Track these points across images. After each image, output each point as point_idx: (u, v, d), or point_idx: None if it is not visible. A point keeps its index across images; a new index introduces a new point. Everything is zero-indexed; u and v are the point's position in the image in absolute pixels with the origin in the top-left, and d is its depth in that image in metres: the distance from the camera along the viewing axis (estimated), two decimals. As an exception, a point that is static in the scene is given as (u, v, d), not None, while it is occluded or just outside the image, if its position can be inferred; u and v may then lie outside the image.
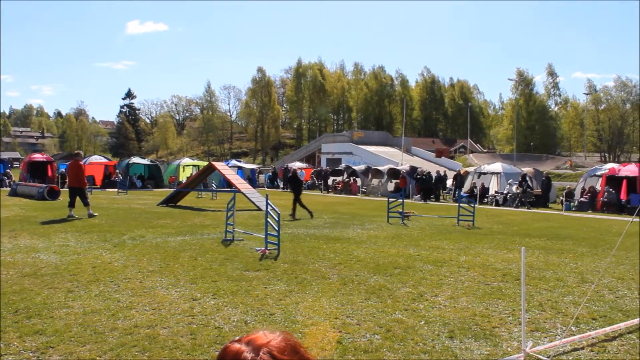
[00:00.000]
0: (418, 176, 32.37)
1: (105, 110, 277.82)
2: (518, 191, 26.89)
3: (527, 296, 7.09)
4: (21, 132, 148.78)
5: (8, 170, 35.15)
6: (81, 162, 17.36)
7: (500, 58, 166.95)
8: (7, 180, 32.90)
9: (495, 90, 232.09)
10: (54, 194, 23.17)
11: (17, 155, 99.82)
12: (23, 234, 12.25)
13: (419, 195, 31.13)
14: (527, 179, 27.67)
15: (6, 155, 61.61)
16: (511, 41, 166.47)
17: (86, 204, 16.39)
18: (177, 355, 4.89)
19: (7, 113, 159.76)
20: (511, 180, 28.24)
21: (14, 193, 25.22)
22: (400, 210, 17.05)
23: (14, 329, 5.44)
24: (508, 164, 34.88)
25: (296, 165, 44.79)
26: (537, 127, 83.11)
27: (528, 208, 25.39)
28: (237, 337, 1.40)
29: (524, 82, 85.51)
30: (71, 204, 16.17)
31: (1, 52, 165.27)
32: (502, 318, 6.28)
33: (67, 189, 17.35)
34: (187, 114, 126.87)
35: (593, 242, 13.37)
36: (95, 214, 16.45)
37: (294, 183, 19.55)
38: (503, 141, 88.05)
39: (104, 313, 6.07)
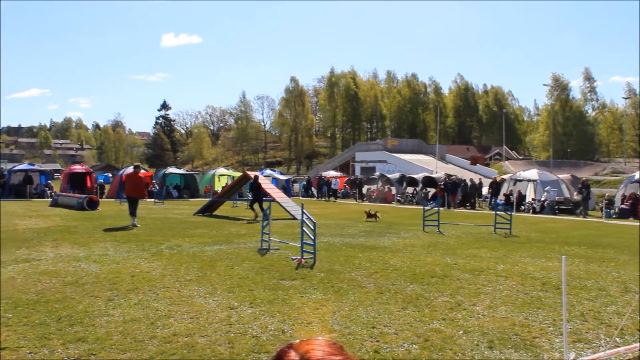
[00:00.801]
0: (441, 183, 32.05)
1: (141, 122, 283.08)
2: (578, 198, 26.44)
3: (568, 306, 6.95)
4: (61, 144, 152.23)
5: (49, 182, 35.94)
6: (140, 173, 18.24)
7: (535, 63, 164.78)
8: (48, 191, 33.64)
9: (530, 96, 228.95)
10: (93, 204, 23.60)
11: (57, 166, 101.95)
12: (64, 243, 12.50)
13: (433, 202, 30.86)
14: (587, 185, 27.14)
15: (47, 166, 62.98)
16: (546, 46, 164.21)
17: (132, 213, 16.93)
18: (215, 364, 4.92)
19: (47, 126, 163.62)
20: (548, 187, 27.79)
21: (54, 203, 25.78)
22: (437, 218, 16.92)
23: (58, 336, 5.55)
24: (544, 171, 34.33)
25: (330, 174, 44.82)
26: (574, 133, 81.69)
27: (585, 216, 24.81)
28: (294, 342, 1.38)
29: (559, 87, 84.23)
30: (132, 213, 16.89)
31: (1, 52, 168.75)
32: (543, 328, 6.16)
33: (127, 199, 17.95)
34: (221, 124, 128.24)
35: (635, 250, 13.04)
36: (138, 225, 16.72)
37: (255, 189, 20.31)
38: (539, 148, 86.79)
39: (143, 321, 6.15)
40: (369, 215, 20.58)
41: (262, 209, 18.60)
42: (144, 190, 18.26)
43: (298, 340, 1.39)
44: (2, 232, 14.65)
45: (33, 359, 4.95)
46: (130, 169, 21.09)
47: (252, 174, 22.57)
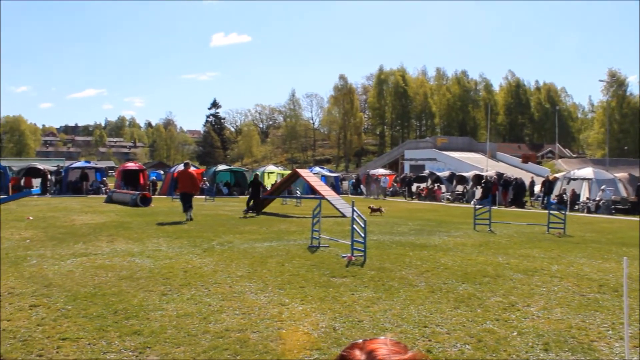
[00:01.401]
0: (483, 181, 31.55)
1: (192, 120, 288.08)
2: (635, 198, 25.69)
3: (629, 309, 6.73)
4: (115, 142, 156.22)
5: (104, 179, 36.89)
6: (191, 170, 19.12)
7: (589, 59, 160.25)
8: (103, 188, 34.53)
9: (584, 93, 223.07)
10: (146, 201, 24.11)
11: (111, 164, 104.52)
12: (119, 238, 12.81)
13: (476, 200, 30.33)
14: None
15: (102, 164, 64.65)
16: (602, 40, 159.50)
17: (186, 209, 17.67)
18: (267, 359, 4.95)
19: (102, 124, 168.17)
20: (604, 186, 26.99)
21: (109, 200, 26.44)
22: (488, 217, 16.66)
23: (114, 329, 5.69)
24: (600, 169, 33.37)
25: (379, 171, 44.63)
26: (631, 130, 79.07)
27: None
28: (358, 342, 1.36)
29: (616, 83, 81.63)
30: (186, 208, 17.66)
31: (1, 53, 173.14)
32: (601, 332, 5.98)
33: (179, 195, 18.89)
34: (270, 122, 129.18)
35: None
36: (191, 218, 17.42)
37: (255, 186, 21.80)
38: (594, 145, 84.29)
39: (196, 316, 6.24)
40: (373, 210, 21.93)
41: (249, 206, 20.95)
42: (196, 185, 18.92)
43: (361, 340, 1.37)
44: (61, 227, 15.12)
45: (92, 350, 5.08)
46: (181, 167, 21.87)
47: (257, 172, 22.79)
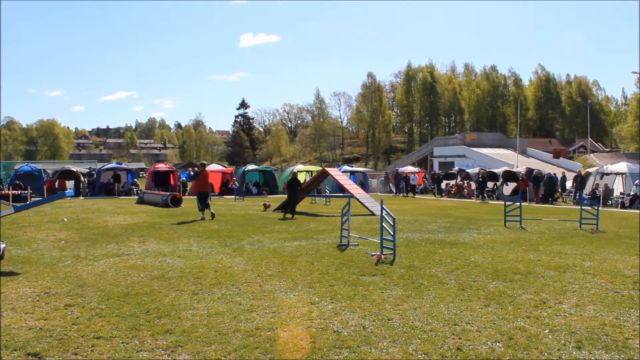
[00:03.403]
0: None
1: (221, 121, 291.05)
2: None
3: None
4: (146, 143, 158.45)
5: (136, 180, 37.38)
6: (207, 170, 19.71)
7: (621, 50, 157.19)
8: (135, 189, 35.00)
9: (617, 85, 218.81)
10: (176, 201, 24.37)
11: (142, 165, 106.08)
12: (150, 239, 12.98)
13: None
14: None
15: (133, 165, 65.57)
16: (634, 30, 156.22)
17: (202, 208, 18.29)
18: (297, 357, 4.98)
19: (133, 127, 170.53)
20: (638, 180, 26.45)
21: (140, 201, 26.78)
22: (519, 214, 16.47)
23: (147, 328, 5.78)
24: (634, 164, 32.72)
25: (408, 169, 44.43)
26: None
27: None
28: None
29: (650, 74, 79.83)
30: (202, 208, 18.28)
31: (1, 54, 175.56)
32: (636, 329, 5.88)
33: (196, 195, 19.24)
34: (298, 122, 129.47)
35: None
36: (205, 218, 18.02)
37: (293, 186, 20.65)
38: (627, 139, 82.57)
39: (227, 315, 6.30)
40: (266, 206, 22.22)
41: (284, 208, 20.34)
42: (207, 185, 19.50)
43: None
44: (94, 228, 15.38)
45: (125, 349, 5.17)
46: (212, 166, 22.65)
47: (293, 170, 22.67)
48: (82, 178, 34.02)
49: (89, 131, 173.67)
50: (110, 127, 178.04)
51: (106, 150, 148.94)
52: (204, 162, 22.81)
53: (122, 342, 5.33)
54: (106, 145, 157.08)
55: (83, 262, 9.68)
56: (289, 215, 19.51)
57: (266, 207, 22.21)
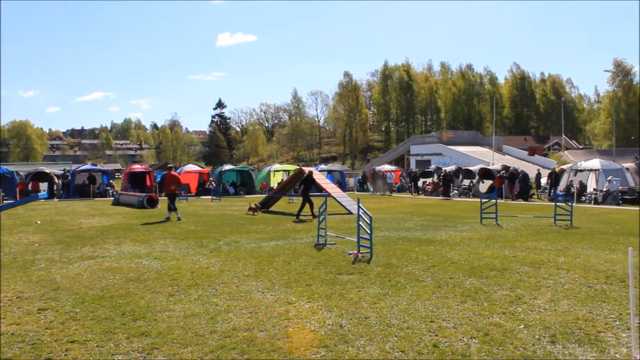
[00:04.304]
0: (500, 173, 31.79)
1: (198, 121, 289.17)
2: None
3: (636, 299, 6.72)
4: (121, 144, 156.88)
5: (111, 181, 36.98)
6: (174, 173, 19.83)
7: (594, 49, 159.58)
8: (110, 191, 34.62)
9: (590, 83, 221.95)
10: (152, 202, 24.17)
11: (118, 166, 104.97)
12: (126, 241, 12.86)
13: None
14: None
15: (109, 166, 64.94)
16: (605, 30, 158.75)
17: (172, 208, 18.38)
18: (274, 358, 4.97)
19: (108, 127, 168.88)
20: (611, 177, 26.86)
21: (116, 202, 26.53)
22: (494, 211, 16.63)
23: (122, 330, 5.72)
24: (607, 160, 33.22)
25: (385, 168, 44.60)
26: (638, 119, 78.56)
27: None
28: None
29: (622, 73, 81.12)
30: (169, 208, 18.36)
31: (1, 52, 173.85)
32: (608, 322, 5.97)
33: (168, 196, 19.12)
34: (275, 121, 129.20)
35: None
36: (175, 219, 17.97)
37: (306, 184, 19.76)
38: (600, 136, 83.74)
39: (204, 316, 6.27)
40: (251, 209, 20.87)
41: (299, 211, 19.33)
42: (180, 186, 20.04)
43: None
44: (69, 230, 15.19)
45: (100, 352, 5.11)
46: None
47: (306, 169, 22.53)
48: (56, 180, 33.56)
49: (63, 132, 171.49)
50: (85, 128, 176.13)
51: (81, 152, 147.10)
52: (170, 165, 22.91)
53: (97, 346, 5.27)
54: (81, 147, 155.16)
55: (57, 265, 9.55)
56: (308, 217, 18.76)
57: (254, 209, 20.97)
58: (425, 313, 6.36)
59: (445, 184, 34.42)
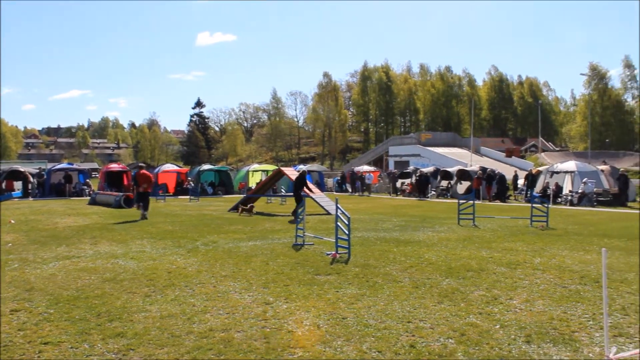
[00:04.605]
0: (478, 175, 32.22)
1: (176, 120, 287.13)
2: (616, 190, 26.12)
3: (609, 299, 6.81)
4: (98, 143, 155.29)
5: (88, 180, 36.59)
6: (145, 171, 19.84)
7: (572, 53, 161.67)
8: (87, 190, 34.26)
9: (567, 87, 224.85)
10: (129, 202, 23.95)
11: (95, 165, 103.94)
12: (102, 240, 12.73)
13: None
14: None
15: (85, 165, 64.26)
16: (583, 35, 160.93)
17: (145, 207, 18.65)
18: (251, 358, 4.95)
19: (85, 126, 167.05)
20: (586, 179, 27.22)
21: (93, 202, 26.25)
22: (472, 212, 16.75)
23: (97, 332, 5.65)
24: (582, 162, 33.66)
25: (364, 168, 44.71)
26: (613, 122, 79.84)
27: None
28: None
29: (597, 76, 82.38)
30: (145, 207, 18.59)
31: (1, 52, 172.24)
32: (582, 322, 6.05)
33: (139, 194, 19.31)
34: (254, 121, 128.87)
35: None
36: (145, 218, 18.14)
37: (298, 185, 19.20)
38: (576, 138, 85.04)
39: (180, 317, 6.22)
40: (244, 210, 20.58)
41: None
42: (152, 184, 20.37)
43: None
44: (44, 230, 14.99)
45: (74, 354, 5.05)
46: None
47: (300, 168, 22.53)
48: (30, 178, 33.08)
49: (39, 130, 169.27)
50: (62, 126, 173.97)
51: (57, 150, 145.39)
52: (142, 164, 23.78)
53: (71, 347, 5.21)
54: (57, 145, 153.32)
55: (31, 266, 9.42)
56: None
57: (248, 210, 20.42)
58: (402, 313, 6.38)
59: (420, 185, 34.80)
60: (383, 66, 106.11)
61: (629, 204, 26.86)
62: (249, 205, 20.85)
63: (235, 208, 22.13)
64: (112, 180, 34.81)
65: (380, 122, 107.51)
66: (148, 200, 19.02)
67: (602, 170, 29.92)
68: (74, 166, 39.16)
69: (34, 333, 5.61)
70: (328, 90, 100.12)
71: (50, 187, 33.68)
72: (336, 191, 41.79)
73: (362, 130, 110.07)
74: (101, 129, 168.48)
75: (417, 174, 36.08)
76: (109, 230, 14.96)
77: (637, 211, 22.93)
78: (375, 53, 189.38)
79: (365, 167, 46.79)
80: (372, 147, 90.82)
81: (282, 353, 5.07)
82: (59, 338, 5.45)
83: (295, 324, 5.95)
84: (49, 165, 44.71)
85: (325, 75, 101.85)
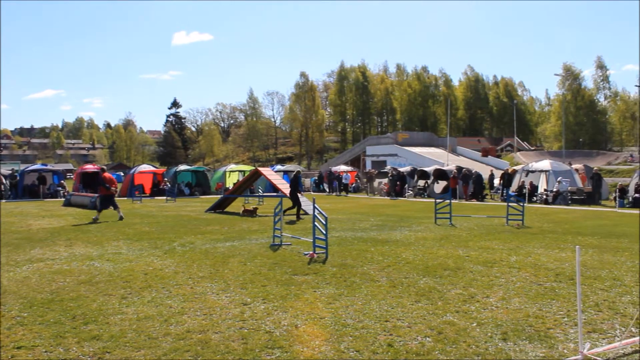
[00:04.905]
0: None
1: (152, 120, 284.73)
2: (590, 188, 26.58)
3: (583, 296, 6.91)
4: (73, 144, 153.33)
5: (62, 182, 36.12)
6: (107, 174, 19.58)
7: (546, 54, 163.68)
8: (61, 191, 33.83)
9: (541, 87, 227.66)
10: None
11: (70, 166, 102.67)
12: (77, 242, 12.57)
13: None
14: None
15: (60, 166, 63.41)
16: (557, 36, 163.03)
17: (101, 210, 18.37)
18: (229, 359, 4.93)
19: (59, 126, 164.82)
20: (560, 177, 27.58)
21: (68, 203, 25.93)
22: (449, 211, 16.87)
23: (73, 335, 5.58)
24: (557, 161, 34.11)
25: (341, 168, 44.77)
26: (586, 122, 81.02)
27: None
28: None
29: (571, 77, 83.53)
30: (101, 209, 18.44)
31: (1, 55, 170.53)
32: (557, 319, 6.13)
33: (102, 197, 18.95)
34: (231, 121, 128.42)
35: (650, 239, 12.96)
36: (96, 219, 17.71)
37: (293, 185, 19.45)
38: (551, 138, 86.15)
39: (157, 319, 6.17)
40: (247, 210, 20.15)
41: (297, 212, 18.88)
42: (115, 186, 19.98)
43: None
44: (17, 232, 14.77)
45: (49, 358, 4.98)
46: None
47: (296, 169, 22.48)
48: (3, 180, 32.57)
49: (11, 131, 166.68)
50: (35, 126, 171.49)
51: (30, 151, 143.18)
52: (103, 166, 23.77)
53: (46, 351, 5.13)
54: (30, 146, 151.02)
55: (4, 268, 9.27)
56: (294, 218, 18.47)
57: (250, 212, 19.93)
58: (380, 313, 6.40)
59: (393, 185, 35.41)
60: (360, 66, 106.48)
61: (602, 202, 27.28)
62: (252, 207, 20.56)
63: (212, 209, 22.04)
64: (87, 181, 34.40)
65: (357, 122, 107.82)
66: (113, 201, 18.76)
67: (577, 170, 30.34)
68: (48, 167, 38.62)
69: (7, 337, 5.52)
70: (305, 90, 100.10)
71: (23, 189, 33.19)
72: (314, 191, 41.82)
73: (340, 130, 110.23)
74: (76, 129, 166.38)
75: (390, 174, 36.57)
76: (84, 231, 14.79)
77: (609, 209, 23.29)
78: (352, 53, 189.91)
79: (343, 167, 46.86)
80: (349, 147, 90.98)
81: (260, 354, 5.06)
82: (33, 342, 5.38)
83: (273, 325, 5.94)
84: (22, 167, 44.06)
85: (303, 75, 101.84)
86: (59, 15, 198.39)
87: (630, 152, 58.50)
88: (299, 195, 19.15)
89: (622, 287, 7.67)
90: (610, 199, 28.22)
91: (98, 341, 5.39)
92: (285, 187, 21.16)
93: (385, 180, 38.66)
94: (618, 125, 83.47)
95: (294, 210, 18.77)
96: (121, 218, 18.05)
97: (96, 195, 24.67)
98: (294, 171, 44.24)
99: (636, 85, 80.00)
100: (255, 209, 20.42)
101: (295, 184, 19.46)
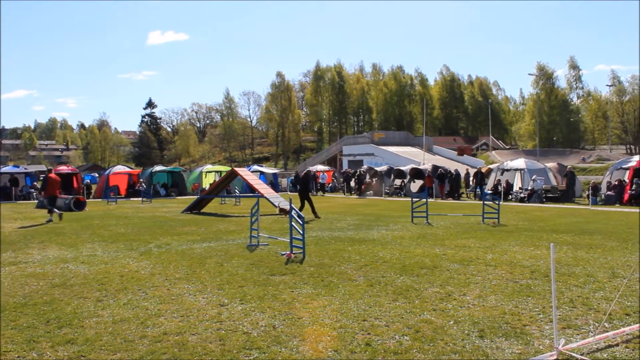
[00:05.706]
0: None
1: (127, 121, 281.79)
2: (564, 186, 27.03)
3: (558, 293, 6.99)
4: (46, 145, 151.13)
5: (35, 183, 35.62)
6: (53, 175, 19.94)
7: (520, 53, 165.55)
8: (34, 193, 33.35)
9: (515, 86, 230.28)
10: (79, 205, 23.44)
11: (43, 168, 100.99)
12: (51, 245, 12.40)
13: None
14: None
15: (33, 168, 62.38)
16: (531, 36, 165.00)
17: (52, 210, 18.45)
18: (207, 362, 4.90)
19: (32, 127, 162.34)
20: (535, 176, 27.92)
21: (41, 205, 25.51)
22: (425, 210, 16.96)
23: (46, 339, 5.50)
24: (531, 160, 34.53)
25: (318, 168, 44.79)
26: (559, 121, 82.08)
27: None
28: None
29: (544, 76, 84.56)
30: (52, 210, 18.48)
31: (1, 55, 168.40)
32: (533, 316, 6.19)
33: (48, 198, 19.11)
34: (207, 121, 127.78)
35: (622, 236, 13.17)
36: (53, 220, 17.97)
37: (304, 183, 19.65)
38: (525, 137, 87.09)
39: (133, 321, 6.11)
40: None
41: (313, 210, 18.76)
42: (60, 188, 20.37)
43: None
44: (-12, 235, 14.54)
45: (22, 363, 4.90)
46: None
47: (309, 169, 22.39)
48: (-26, 182, 32.04)
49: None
50: (6, 127, 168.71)
51: (2, 152, 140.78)
52: (50, 167, 24.61)
53: (18, 356, 5.04)
54: (2, 147, 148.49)
55: (-24, 272, 9.11)
56: (312, 216, 18.31)
57: (285, 211, 18.78)
58: (357, 312, 6.41)
59: (360, 183, 36.56)
60: (336, 66, 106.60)
61: (576, 199, 27.67)
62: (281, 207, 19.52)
63: (189, 209, 21.90)
64: (61, 182, 33.92)
65: (333, 121, 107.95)
66: (54, 202, 18.97)
67: (550, 168, 30.73)
68: (21, 169, 38.09)
69: (-21, 342, 5.42)
70: (281, 90, 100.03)
71: (-5, 191, 32.64)
72: (290, 191, 41.75)
73: (316, 129, 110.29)
74: (49, 130, 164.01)
75: (357, 174, 37.88)
76: (58, 234, 14.59)
77: (582, 206, 23.64)
78: (328, 53, 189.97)
79: (320, 167, 46.89)
80: (325, 147, 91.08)
81: (238, 355, 5.03)
82: (5, 347, 5.28)
83: (251, 325, 5.91)
84: (-6, 168, 43.27)
85: (279, 74, 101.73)
86: (31, 15, 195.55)
87: (583, 156, 59.53)
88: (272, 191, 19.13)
89: (596, 284, 7.78)
90: (583, 196, 28.65)
91: (73, 345, 5.32)
92: (261, 187, 21.12)
93: (376, 180, 38.82)
94: (590, 124, 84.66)
95: (307, 209, 18.51)
96: (50, 221, 17.90)
97: (70, 197, 24.42)
98: (270, 172, 44.33)
99: (607, 85, 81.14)
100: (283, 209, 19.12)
101: (306, 183, 19.36)
